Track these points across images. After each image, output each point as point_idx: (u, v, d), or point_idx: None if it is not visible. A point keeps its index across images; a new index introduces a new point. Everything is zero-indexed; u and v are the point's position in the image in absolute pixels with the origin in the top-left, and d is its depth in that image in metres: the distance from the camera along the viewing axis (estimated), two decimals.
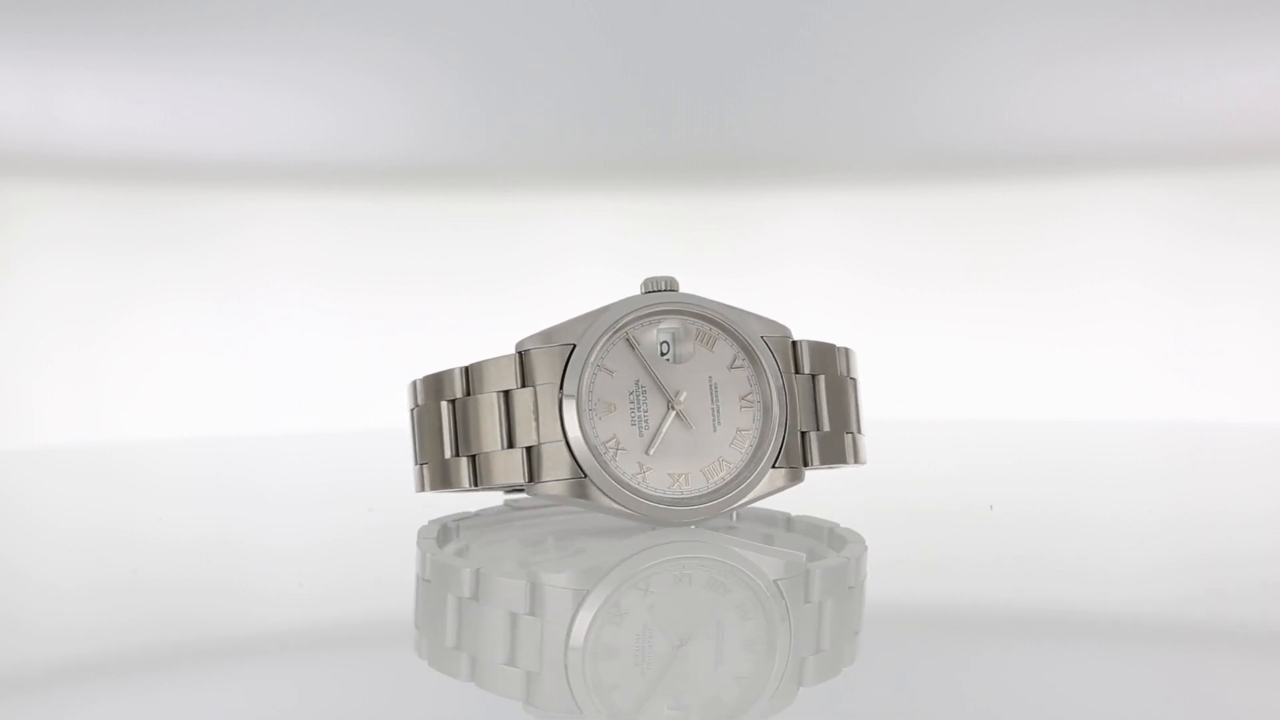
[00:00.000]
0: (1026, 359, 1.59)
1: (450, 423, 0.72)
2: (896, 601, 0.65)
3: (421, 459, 0.73)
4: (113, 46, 1.57)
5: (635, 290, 0.73)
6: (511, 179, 1.65)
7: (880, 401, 1.58)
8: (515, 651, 0.56)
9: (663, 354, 0.72)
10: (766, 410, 0.73)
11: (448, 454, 0.71)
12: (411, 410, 0.75)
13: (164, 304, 1.59)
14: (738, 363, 0.73)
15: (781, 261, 1.62)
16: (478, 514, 0.79)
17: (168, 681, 0.54)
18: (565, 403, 0.69)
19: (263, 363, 1.60)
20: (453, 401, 0.71)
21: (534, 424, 0.69)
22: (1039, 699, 0.50)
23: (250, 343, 1.61)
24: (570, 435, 0.69)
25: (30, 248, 1.57)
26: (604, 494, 0.69)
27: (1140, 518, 0.88)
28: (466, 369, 0.71)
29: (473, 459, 0.71)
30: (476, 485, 0.71)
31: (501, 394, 0.70)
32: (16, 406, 1.55)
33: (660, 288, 0.72)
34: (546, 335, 0.70)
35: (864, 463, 0.77)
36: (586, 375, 0.70)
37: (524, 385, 0.70)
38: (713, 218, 1.64)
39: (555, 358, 0.69)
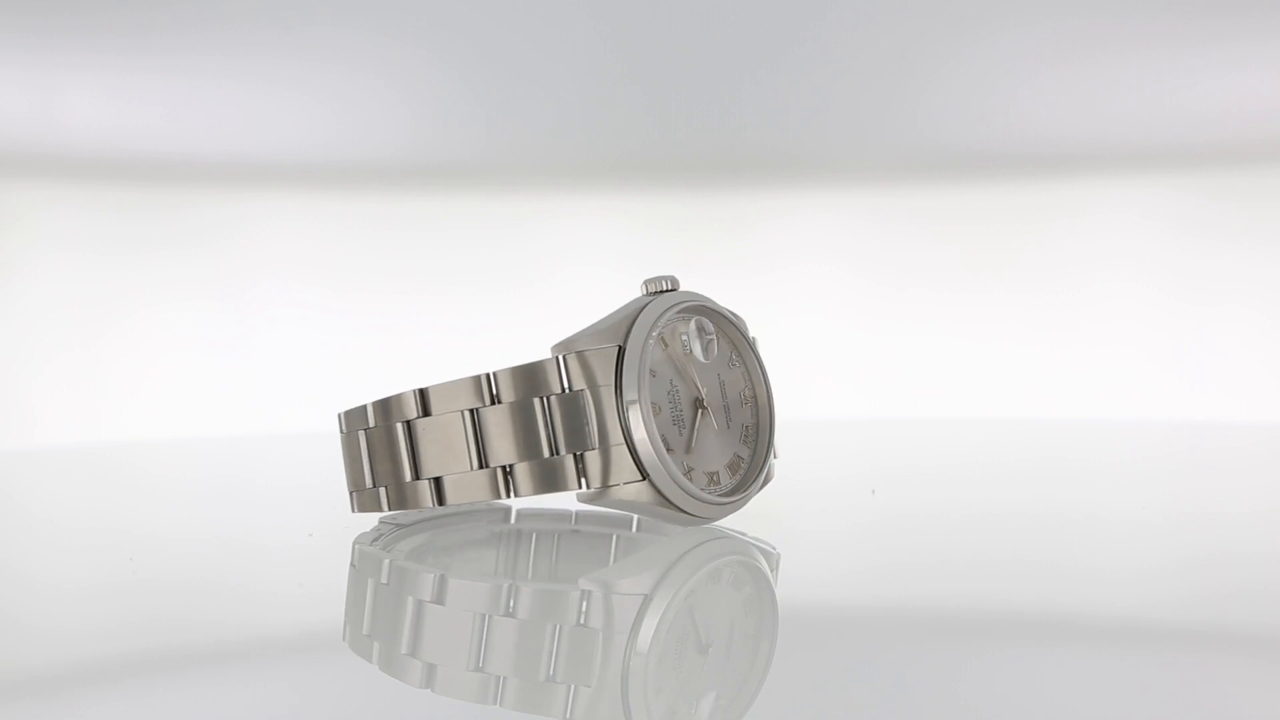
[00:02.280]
0: (1026, 359, 1.59)
1: (472, 433, 0.69)
2: (895, 602, 0.65)
3: (424, 474, 0.70)
4: (113, 47, 1.56)
5: (635, 290, 0.73)
6: (511, 179, 1.65)
7: (881, 401, 1.58)
8: (558, 666, 0.54)
9: (687, 353, 0.72)
10: (759, 406, 0.74)
11: (470, 466, 0.69)
12: (397, 426, 0.71)
13: (164, 304, 1.59)
14: (733, 360, 0.74)
15: (781, 261, 1.62)
16: (377, 533, 0.77)
17: (168, 683, 0.54)
18: (630, 405, 0.68)
19: (263, 363, 1.60)
20: (473, 411, 0.69)
21: (582, 429, 0.68)
22: (1036, 700, 0.50)
23: (250, 343, 1.61)
24: (636, 437, 0.67)
25: (30, 248, 1.57)
26: (663, 495, 0.68)
27: (1147, 517, 0.88)
28: (490, 375, 0.69)
29: (507, 470, 0.69)
30: (513, 496, 0.69)
31: (539, 400, 0.68)
32: (17, 406, 1.55)
33: (664, 288, 0.72)
34: (572, 341, 0.69)
35: None
36: (642, 377, 0.68)
37: (568, 390, 0.68)
38: (713, 218, 1.64)
39: (604, 360, 0.68)
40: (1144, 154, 1.61)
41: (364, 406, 0.72)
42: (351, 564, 0.70)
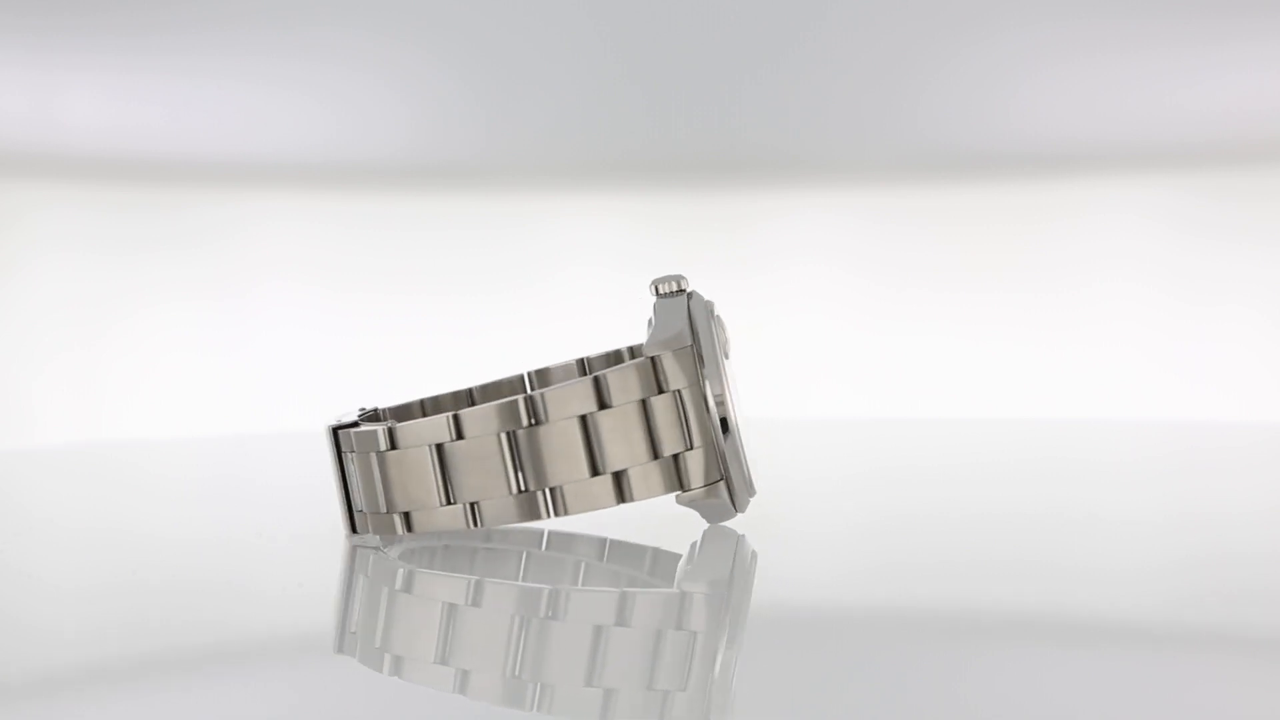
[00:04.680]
0: (1026, 359, 1.59)
1: (584, 440, 0.67)
2: (895, 602, 0.65)
3: (536, 484, 0.66)
4: (113, 47, 1.57)
5: (637, 291, 0.73)
6: (511, 179, 1.65)
7: (881, 401, 1.58)
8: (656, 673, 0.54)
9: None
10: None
11: (584, 474, 0.67)
12: (501, 436, 0.67)
13: (164, 304, 1.59)
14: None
15: (781, 261, 1.62)
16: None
17: (169, 683, 0.54)
18: (719, 403, 0.67)
19: (263, 363, 1.60)
20: (584, 418, 0.67)
21: (680, 430, 0.67)
22: (1036, 700, 0.50)
23: (250, 342, 1.61)
24: (726, 435, 0.67)
25: (30, 248, 1.57)
26: (732, 493, 0.68)
27: (1147, 517, 0.88)
28: (596, 379, 0.67)
29: (617, 476, 0.67)
30: (624, 502, 0.68)
31: (640, 403, 0.67)
32: (17, 406, 1.55)
33: (675, 289, 0.71)
34: (647, 346, 0.68)
35: None
36: (723, 374, 0.68)
37: (661, 391, 0.67)
38: (713, 218, 1.64)
39: (685, 360, 0.67)
40: (1144, 154, 1.61)
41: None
42: (399, 590, 0.68)
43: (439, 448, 0.67)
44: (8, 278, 1.56)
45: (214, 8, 1.55)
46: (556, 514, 0.67)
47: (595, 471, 0.67)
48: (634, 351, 0.81)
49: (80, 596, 0.68)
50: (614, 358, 0.81)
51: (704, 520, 0.72)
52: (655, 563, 0.72)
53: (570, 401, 0.67)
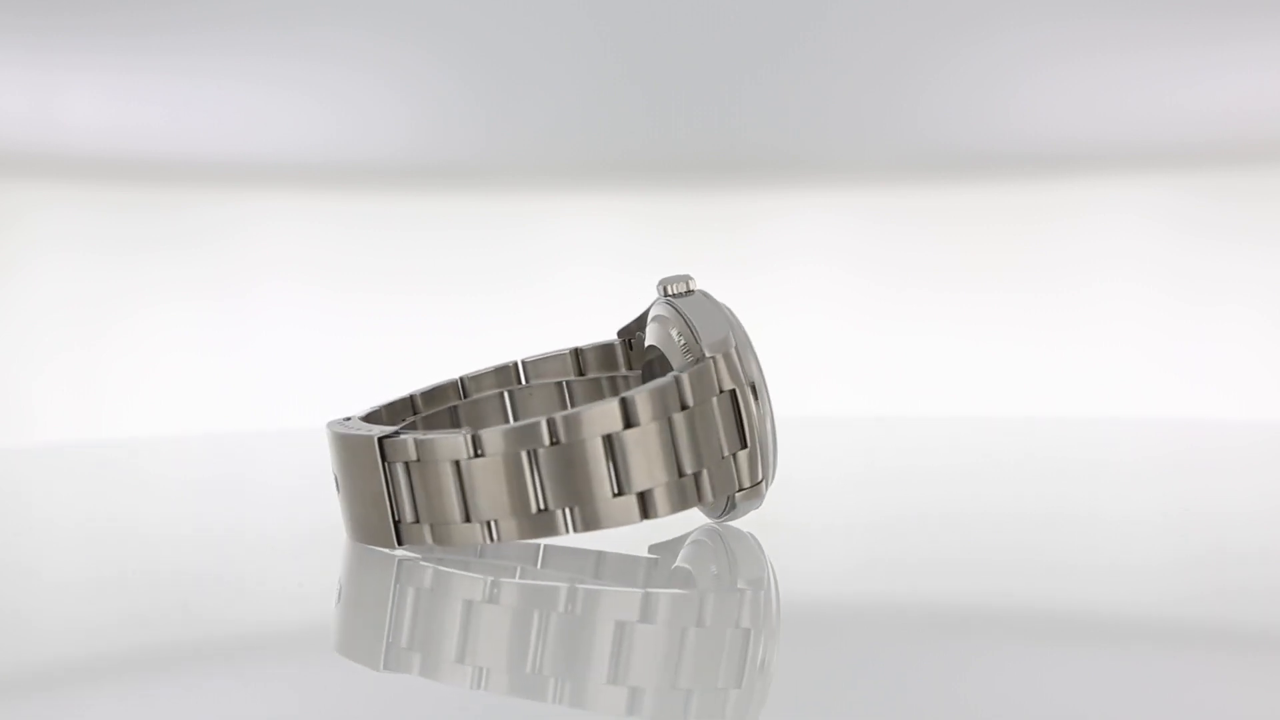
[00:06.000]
0: (1026, 359, 1.59)
1: (670, 443, 0.65)
2: (894, 601, 0.65)
3: (630, 488, 0.65)
4: (113, 47, 1.57)
5: (639, 291, 0.72)
6: (511, 179, 1.65)
7: (881, 401, 1.58)
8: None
9: None
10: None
11: (669, 477, 0.65)
12: (596, 441, 0.65)
13: (164, 304, 1.59)
14: None
15: (781, 261, 1.62)
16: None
17: (168, 680, 0.54)
18: (765, 400, 0.67)
19: (262, 362, 1.60)
20: (669, 420, 0.65)
21: (736, 429, 0.66)
22: (1036, 699, 0.50)
23: (250, 342, 1.61)
24: (762, 435, 0.67)
25: (30, 248, 1.57)
26: (762, 496, 0.68)
27: (1147, 516, 0.88)
28: (677, 380, 0.65)
29: (695, 478, 0.66)
30: (700, 503, 0.67)
31: (711, 404, 0.66)
32: (17, 406, 1.55)
33: (685, 289, 0.71)
34: (696, 341, 0.67)
35: None
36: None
37: (720, 392, 0.66)
38: (713, 218, 1.64)
39: (730, 361, 0.66)
40: (1144, 154, 1.62)
41: (540, 422, 0.65)
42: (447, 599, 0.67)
43: (534, 453, 0.65)
44: (8, 278, 1.56)
45: (214, 8, 1.55)
46: (648, 516, 0.65)
47: (680, 474, 0.66)
48: (578, 354, 0.80)
49: (80, 594, 0.68)
50: (559, 360, 0.80)
51: (705, 517, 0.72)
52: (601, 565, 0.72)
53: (658, 404, 0.65)
